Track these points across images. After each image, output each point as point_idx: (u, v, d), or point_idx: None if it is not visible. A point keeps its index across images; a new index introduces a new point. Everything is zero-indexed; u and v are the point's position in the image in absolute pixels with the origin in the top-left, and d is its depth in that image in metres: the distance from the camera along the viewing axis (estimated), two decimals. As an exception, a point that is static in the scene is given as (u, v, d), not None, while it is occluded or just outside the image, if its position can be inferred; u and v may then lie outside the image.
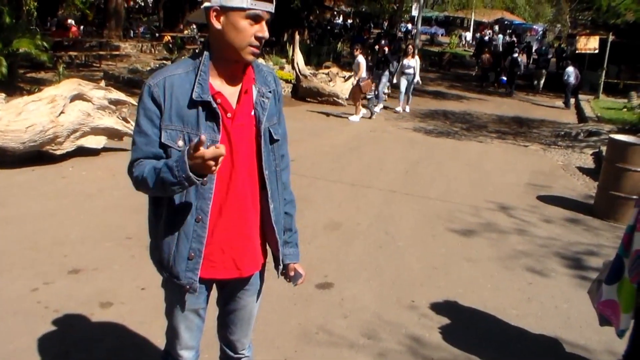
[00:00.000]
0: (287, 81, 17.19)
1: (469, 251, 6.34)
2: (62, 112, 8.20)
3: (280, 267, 2.74)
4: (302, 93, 17.21)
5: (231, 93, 2.44)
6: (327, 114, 15.22)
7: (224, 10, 2.30)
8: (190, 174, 2.17)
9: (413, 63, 16.94)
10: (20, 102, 8.12)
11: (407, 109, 17.34)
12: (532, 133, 15.24)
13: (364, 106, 15.25)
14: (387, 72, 17.01)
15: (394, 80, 17.62)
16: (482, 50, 29.73)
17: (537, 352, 4.44)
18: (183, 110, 2.35)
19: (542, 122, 17.04)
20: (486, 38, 35.48)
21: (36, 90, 10.63)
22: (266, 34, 2.35)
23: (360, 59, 14.87)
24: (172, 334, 2.71)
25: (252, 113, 2.48)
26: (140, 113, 2.40)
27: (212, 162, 2.12)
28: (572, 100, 21.13)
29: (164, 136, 2.36)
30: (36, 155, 8.15)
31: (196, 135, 2.31)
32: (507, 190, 8.98)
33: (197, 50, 2.57)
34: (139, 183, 2.38)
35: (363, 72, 14.78)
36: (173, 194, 2.35)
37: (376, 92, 16.49)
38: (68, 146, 8.44)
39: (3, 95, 8.47)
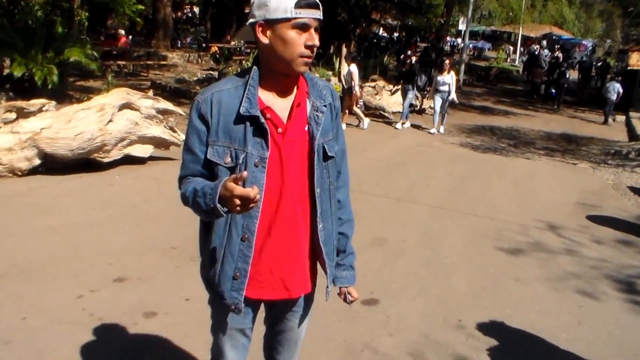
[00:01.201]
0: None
1: (517, 271, 6.20)
2: (110, 121, 8.31)
3: (329, 289, 2.67)
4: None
5: (282, 108, 2.37)
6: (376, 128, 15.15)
7: (269, 23, 2.26)
8: (218, 204, 2.13)
9: (448, 79, 15.68)
10: (70, 110, 8.27)
11: (442, 129, 16.01)
12: (581, 150, 14.97)
13: (354, 114, 15.19)
14: (412, 87, 16.31)
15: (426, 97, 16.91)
16: (533, 64, 29.83)
17: (589, 379, 4.30)
18: (230, 126, 2.31)
19: (591, 140, 16.73)
20: (536, 52, 35.04)
21: (85, 98, 10.80)
22: (316, 42, 2.28)
23: (353, 69, 14.70)
24: (216, 351, 2.67)
25: (306, 128, 2.41)
26: (188, 130, 2.39)
27: (237, 201, 2.06)
28: (616, 117, 20.85)
29: (210, 152, 2.33)
30: (84, 163, 8.26)
31: (243, 152, 2.29)
32: (555, 209, 8.79)
33: (245, 63, 2.54)
34: (184, 200, 2.37)
35: (355, 82, 14.63)
36: (206, 219, 2.35)
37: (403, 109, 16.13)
38: (115, 154, 8.54)
39: (54, 103, 8.62)
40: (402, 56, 19.36)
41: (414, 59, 17.15)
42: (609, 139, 17.11)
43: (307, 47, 2.26)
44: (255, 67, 2.37)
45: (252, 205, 2.08)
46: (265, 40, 2.28)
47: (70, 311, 4.58)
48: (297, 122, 2.39)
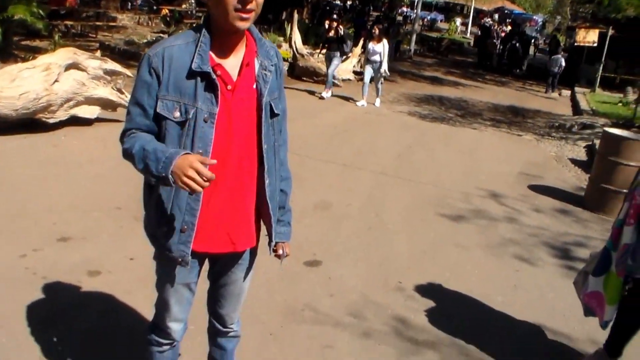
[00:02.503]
0: (284, 60, 17.05)
1: (458, 237, 6.36)
2: (56, 81, 8.13)
3: (273, 244, 2.72)
4: (298, 72, 17.09)
5: (232, 66, 2.40)
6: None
7: None
8: (170, 175, 2.16)
9: (380, 48, 14.29)
10: (14, 69, 8.06)
11: (378, 102, 14.80)
12: (527, 123, 15.26)
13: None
14: (338, 54, 15.04)
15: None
16: (486, 36, 31.44)
17: (521, 339, 4.46)
18: (181, 82, 2.32)
19: (537, 113, 17.05)
20: (490, 26, 35.61)
21: (31, 57, 10.54)
22: None
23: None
24: (161, 306, 2.70)
25: (254, 86, 2.45)
26: (137, 83, 2.37)
27: (192, 176, 2.11)
28: (562, 92, 21.48)
29: (159, 106, 2.33)
30: (29, 123, 8.08)
31: (193, 107, 2.31)
32: (498, 178, 8.99)
33: (195, 25, 2.53)
34: (127, 156, 2.36)
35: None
36: (147, 180, 2.37)
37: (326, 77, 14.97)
38: (61, 115, 8.38)
39: (-3, 61, 8.41)
40: (325, 20, 16.58)
41: (341, 28, 15.45)
42: (554, 112, 17.44)
43: (239, 1, 2.23)
44: (206, 24, 2.38)
45: (204, 183, 2.13)
46: None
47: (13, 270, 4.54)
48: (246, 80, 2.42)
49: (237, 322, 2.93)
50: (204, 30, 2.35)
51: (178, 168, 2.14)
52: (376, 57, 14.31)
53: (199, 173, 2.11)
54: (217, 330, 2.92)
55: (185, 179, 2.12)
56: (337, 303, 4.59)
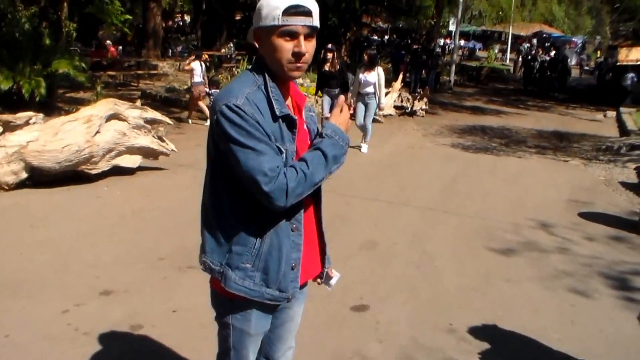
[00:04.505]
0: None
1: (508, 271, 6.16)
2: (97, 132, 8.25)
3: (325, 270, 2.78)
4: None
5: (289, 108, 2.47)
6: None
7: (262, 30, 2.33)
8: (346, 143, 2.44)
9: (373, 78, 11.84)
10: (57, 123, 8.21)
11: (365, 148, 12.22)
12: (573, 147, 14.90)
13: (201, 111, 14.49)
14: (337, 91, 12.14)
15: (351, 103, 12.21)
16: (529, 65, 32.54)
17: (582, 379, 4.25)
18: (270, 126, 2.33)
19: (582, 136, 16.66)
20: (532, 53, 35.86)
21: (74, 110, 10.73)
22: (303, 49, 2.30)
23: (194, 65, 14.33)
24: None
25: (305, 127, 2.54)
26: (244, 135, 2.27)
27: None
28: (607, 113, 21.17)
29: None
30: (72, 175, 8.20)
31: (284, 148, 2.36)
32: (547, 206, 8.76)
33: (235, 70, 2.61)
34: (307, 181, 2.33)
35: (195, 78, 14.19)
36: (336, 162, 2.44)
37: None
38: (103, 165, 8.48)
39: (41, 115, 8.54)
40: (322, 52, 13.00)
41: (329, 56, 12.53)
42: (600, 135, 17.05)
43: (294, 54, 2.29)
44: (263, 70, 2.41)
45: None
46: (258, 45, 2.38)
47: (55, 326, 4.52)
48: (301, 122, 2.52)
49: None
50: (265, 75, 2.38)
51: (342, 124, 2.45)
52: (369, 89, 12.00)
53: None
54: None
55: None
56: (386, 349, 4.45)
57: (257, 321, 2.55)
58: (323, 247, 2.72)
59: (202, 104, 14.46)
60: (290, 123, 2.39)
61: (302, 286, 2.67)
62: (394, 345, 4.52)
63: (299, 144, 2.44)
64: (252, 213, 2.38)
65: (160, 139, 9.38)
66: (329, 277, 2.79)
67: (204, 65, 14.85)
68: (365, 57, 12.27)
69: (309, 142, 2.50)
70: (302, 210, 2.47)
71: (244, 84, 2.38)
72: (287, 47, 2.29)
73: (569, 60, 34.88)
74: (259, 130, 2.27)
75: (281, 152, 2.33)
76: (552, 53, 34.66)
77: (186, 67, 15.22)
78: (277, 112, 2.33)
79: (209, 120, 14.22)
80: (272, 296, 2.48)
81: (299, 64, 2.32)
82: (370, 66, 12.01)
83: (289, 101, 2.49)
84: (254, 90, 2.35)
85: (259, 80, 2.38)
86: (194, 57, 15.42)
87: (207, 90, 14.66)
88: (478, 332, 4.77)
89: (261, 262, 2.42)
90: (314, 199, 2.60)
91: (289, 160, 2.35)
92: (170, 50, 30.72)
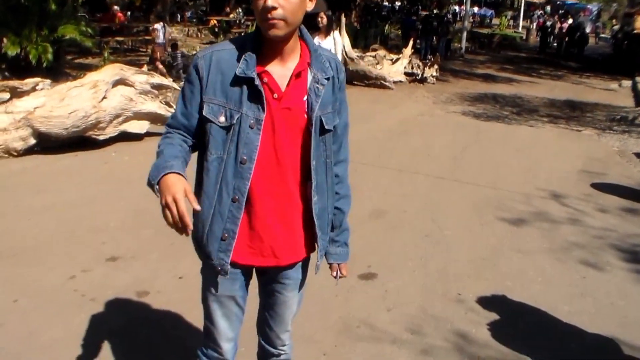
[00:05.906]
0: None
1: (519, 242, 6.09)
2: (104, 98, 8.20)
3: (319, 262, 2.63)
4: (348, 76, 16.61)
5: (281, 75, 2.33)
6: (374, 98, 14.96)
7: None
8: (156, 184, 2.18)
9: (328, 44, 10.22)
10: (63, 88, 8.15)
11: None
12: (586, 117, 14.70)
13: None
14: None
15: None
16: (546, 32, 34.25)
17: (592, 352, 4.17)
18: (228, 86, 2.28)
19: (596, 106, 16.43)
20: (548, 23, 35.82)
21: (82, 75, 10.67)
22: (268, 3, 2.15)
23: (157, 26, 16.41)
24: (209, 322, 2.61)
25: (304, 99, 2.37)
26: (185, 83, 2.39)
27: (171, 213, 2.10)
28: (622, 83, 20.86)
29: (205, 109, 2.30)
30: (80, 141, 8.17)
31: (238, 112, 2.27)
32: (559, 177, 8.65)
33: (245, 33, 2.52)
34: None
35: (157, 38, 16.17)
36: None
37: None
38: (111, 131, 8.45)
39: (48, 81, 8.51)
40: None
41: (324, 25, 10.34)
42: (614, 104, 16.80)
43: (262, 9, 2.18)
44: (256, 30, 2.35)
45: (176, 219, 2.09)
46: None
47: (63, 292, 4.52)
48: (295, 91, 2.34)
49: (288, 345, 2.79)
50: (253, 36, 2.32)
51: (166, 186, 2.14)
52: None
53: (176, 204, 2.08)
54: (266, 354, 2.79)
55: (164, 201, 2.11)
56: (394, 318, 4.41)
57: (220, 282, 2.49)
58: (316, 238, 2.55)
59: (160, 64, 15.62)
60: (254, 90, 2.27)
61: (286, 269, 2.54)
62: (402, 314, 4.47)
63: (280, 112, 2.31)
64: (200, 168, 2.43)
65: (168, 104, 9.34)
66: (333, 275, 2.76)
67: (166, 27, 16.77)
68: (322, 21, 10.16)
69: (306, 115, 2.37)
70: (247, 183, 2.31)
71: (229, 42, 2.39)
72: (259, 2, 2.19)
73: (585, 28, 34.54)
74: (193, 85, 2.32)
75: (232, 117, 2.28)
76: (570, 21, 34.53)
77: (151, 29, 17.19)
78: (237, 72, 2.25)
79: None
80: (204, 257, 2.48)
81: (271, 21, 2.18)
82: (326, 31, 10.33)
83: (287, 67, 2.33)
84: (232, 49, 2.31)
85: (246, 42, 2.33)
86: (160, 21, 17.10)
87: (168, 51, 16.53)
88: (487, 302, 4.72)
89: (196, 218, 2.40)
90: (294, 178, 2.42)
91: (243, 127, 2.28)
92: (178, 15, 30.53)
